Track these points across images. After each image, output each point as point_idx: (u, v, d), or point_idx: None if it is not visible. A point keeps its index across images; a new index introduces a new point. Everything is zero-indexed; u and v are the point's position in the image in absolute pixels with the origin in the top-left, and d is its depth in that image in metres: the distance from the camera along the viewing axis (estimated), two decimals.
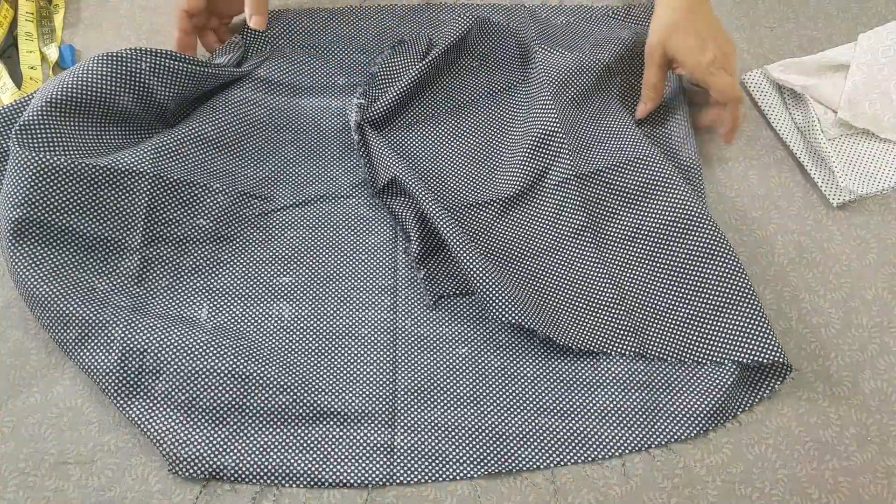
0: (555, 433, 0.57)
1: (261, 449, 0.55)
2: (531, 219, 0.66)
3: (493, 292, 0.58)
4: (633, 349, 0.60)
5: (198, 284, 0.62)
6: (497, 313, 0.58)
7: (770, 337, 0.58)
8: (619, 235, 0.65)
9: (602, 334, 0.61)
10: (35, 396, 0.59)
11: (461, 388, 0.59)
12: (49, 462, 0.56)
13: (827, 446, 0.58)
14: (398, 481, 0.55)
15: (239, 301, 0.62)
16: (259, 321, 0.61)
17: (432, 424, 0.57)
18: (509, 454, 0.56)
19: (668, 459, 0.57)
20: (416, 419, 0.57)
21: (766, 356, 0.57)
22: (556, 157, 0.66)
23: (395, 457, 0.56)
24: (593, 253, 0.64)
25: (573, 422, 0.57)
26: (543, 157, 0.67)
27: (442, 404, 0.58)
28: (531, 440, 0.57)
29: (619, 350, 0.60)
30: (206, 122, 0.66)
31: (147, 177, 0.61)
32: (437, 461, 0.56)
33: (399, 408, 0.58)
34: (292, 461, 0.55)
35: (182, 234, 0.63)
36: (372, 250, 0.65)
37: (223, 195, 0.64)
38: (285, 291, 0.63)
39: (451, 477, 0.55)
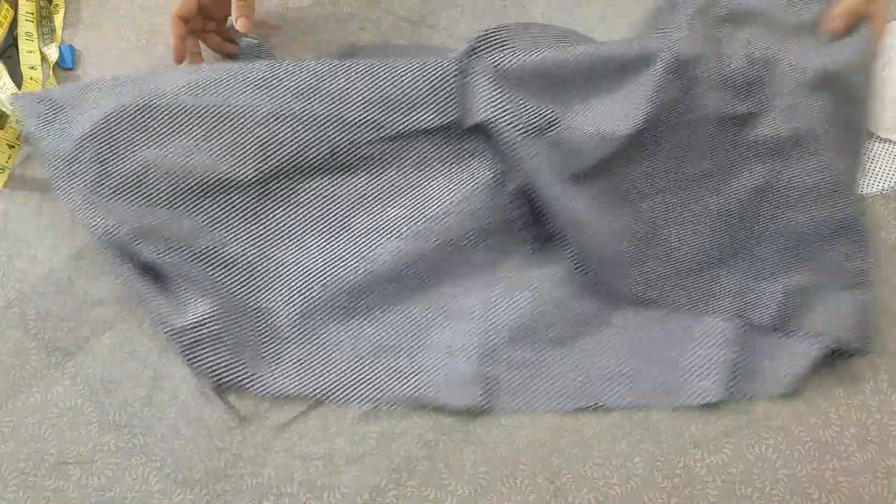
0: (642, 377, 0.60)
1: (364, 374, 0.59)
2: (651, 157, 0.62)
3: (591, 249, 0.61)
4: (731, 311, 0.62)
5: (309, 215, 0.63)
6: (590, 270, 0.62)
7: (867, 329, 0.60)
8: (747, 188, 0.62)
9: (702, 295, 0.62)
10: (35, 396, 0.59)
11: (554, 329, 0.61)
12: (49, 462, 0.56)
13: (827, 446, 0.58)
14: (493, 410, 0.59)
15: (346, 235, 0.63)
16: (365, 255, 0.62)
17: (526, 360, 0.60)
18: (596, 392, 0.59)
19: (668, 459, 0.57)
20: (511, 354, 0.60)
21: (857, 345, 0.60)
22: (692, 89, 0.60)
23: (491, 387, 0.59)
24: (714, 203, 0.62)
25: (661, 369, 0.60)
26: (678, 85, 0.60)
27: (536, 342, 0.61)
28: (619, 381, 0.59)
29: (714, 310, 0.62)
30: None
31: (260, 112, 0.61)
32: (529, 394, 0.59)
33: (495, 343, 0.60)
34: (394, 387, 0.59)
35: (296, 165, 0.63)
36: (473, 188, 0.64)
37: (333, 126, 0.62)
38: (390, 226, 0.63)
39: (540, 408, 0.59)
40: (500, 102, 0.60)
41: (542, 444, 0.58)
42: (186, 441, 0.57)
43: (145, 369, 0.60)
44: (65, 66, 0.74)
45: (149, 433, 0.58)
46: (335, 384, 0.59)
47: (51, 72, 0.73)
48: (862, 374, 0.61)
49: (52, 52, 0.74)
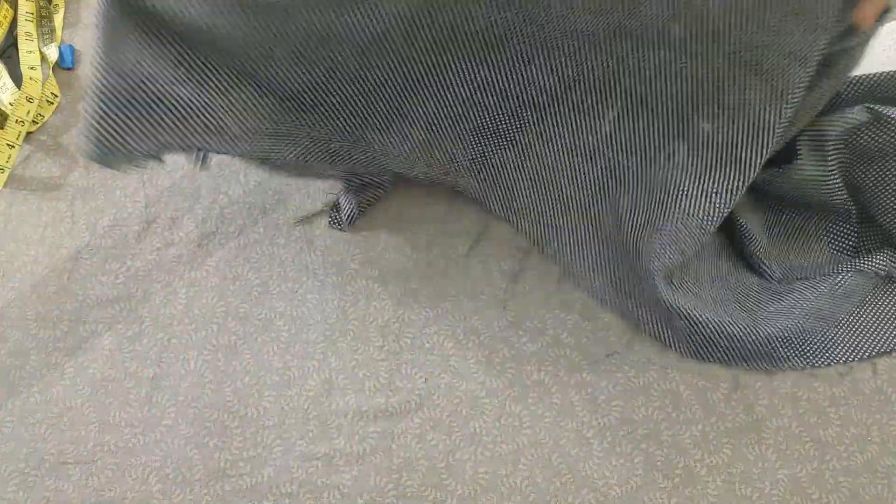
0: (810, 336, 0.61)
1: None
2: None
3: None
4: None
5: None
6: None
7: None
8: None
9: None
10: (35, 396, 0.59)
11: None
12: (49, 462, 0.56)
13: (827, 446, 0.58)
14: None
15: None
16: None
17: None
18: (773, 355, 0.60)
19: (668, 459, 0.57)
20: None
21: None
22: None
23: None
24: None
25: (825, 327, 0.61)
26: None
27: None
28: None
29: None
30: None
31: None
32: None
33: None
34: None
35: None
36: None
37: None
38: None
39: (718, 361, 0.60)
40: None
41: (541, 444, 0.58)
42: (186, 441, 0.57)
43: (145, 369, 0.60)
44: (65, 66, 0.74)
45: (149, 433, 0.58)
46: None
47: (51, 72, 0.73)
48: (862, 374, 0.61)
49: (52, 52, 0.74)
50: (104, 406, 0.58)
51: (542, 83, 0.56)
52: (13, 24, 0.74)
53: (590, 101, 0.56)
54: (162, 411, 0.58)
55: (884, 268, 0.62)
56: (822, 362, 0.61)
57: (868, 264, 0.63)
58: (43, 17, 0.76)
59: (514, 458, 0.57)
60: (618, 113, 0.56)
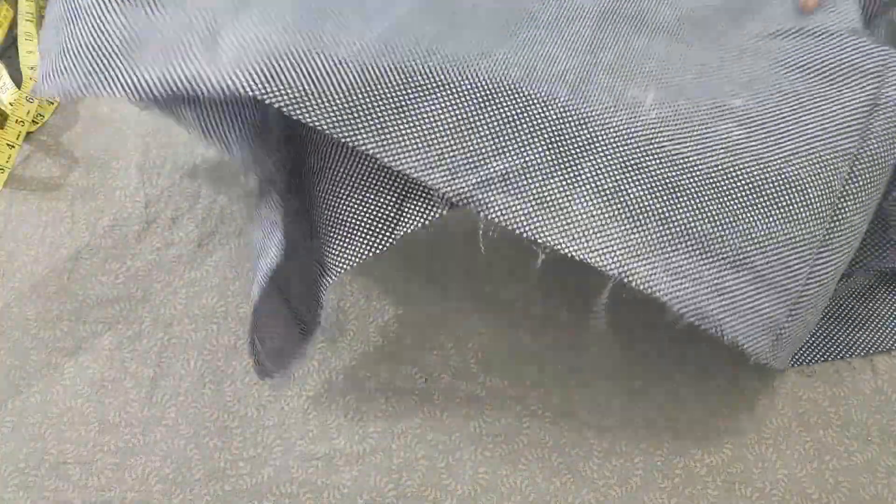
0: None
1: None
2: None
3: None
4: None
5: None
6: None
7: None
8: None
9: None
10: (35, 396, 0.59)
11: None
12: (49, 462, 0.56)
13: (827, 446, 0.58)
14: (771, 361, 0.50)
15: None
16: None
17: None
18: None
19: (668, 459, 0.57)
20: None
21: None
22: None
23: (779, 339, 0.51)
24: None
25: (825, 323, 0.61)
26: None
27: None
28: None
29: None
30: None
31: None
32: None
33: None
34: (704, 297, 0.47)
35: None
36: None
37: None
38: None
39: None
40: None
41: (541, 444, 0.58)
42: (186, 441, 0.57)
43: (145, 369, 0.60)
44: None
45: (149, 433, 0.58)
46: None
47: None
48: (862, 374, 0.61)
49: None
50: (104, 406, 0.58)
51: None
52: (13, 24, 0.74)
53: None
54: (162, 411, 0.58)
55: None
56: (819, 358, 0.61)
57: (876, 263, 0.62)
58: (43, 18, 0.76)
59: (514, 458, 0.58)
60: None
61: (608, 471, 0.57)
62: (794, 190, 0.49)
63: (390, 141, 0.46)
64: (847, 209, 0.51)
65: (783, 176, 0.49)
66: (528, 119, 0.48)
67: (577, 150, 0.48)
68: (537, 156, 0.48)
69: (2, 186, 0.67)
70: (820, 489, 0.56)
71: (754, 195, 0.49)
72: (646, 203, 0.48)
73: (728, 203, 0.49)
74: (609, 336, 0.62)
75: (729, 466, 0.57)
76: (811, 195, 0.50)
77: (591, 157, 0.48)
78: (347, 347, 0.62)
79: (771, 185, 0.49)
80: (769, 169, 0.49)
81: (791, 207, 0.49)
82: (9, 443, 0.57)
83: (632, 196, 0.48)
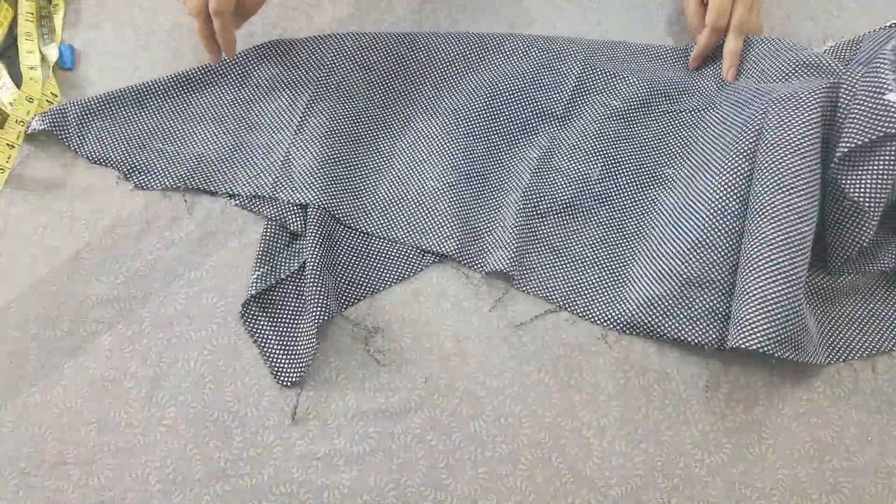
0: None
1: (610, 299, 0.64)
2: None
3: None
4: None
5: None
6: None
7: None
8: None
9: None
10: (35, 396, 0.59)
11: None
12: (49, 462, 0.56)
13: (827, 446, 0.58)
14: (727, 346, 0.57)
15: None
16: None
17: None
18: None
19: (668, 459, 0.57)
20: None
21: None
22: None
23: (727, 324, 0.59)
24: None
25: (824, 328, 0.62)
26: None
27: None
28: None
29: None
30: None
31: None
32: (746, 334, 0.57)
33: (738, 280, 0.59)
34: (638, 314, 0.61)
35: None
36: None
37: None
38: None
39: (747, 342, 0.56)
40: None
41: (542, 444, 0.58)
42: (186, 441, 0.57)
43: (145, 369, 0.60)
44: (64, 66, 0.74)
45: (149, 433, 0.58)
46: None
47: (51, 72, 0.73)
48: (862, 374, 0.61)
49: (52, 52, 0.74)
50: (104, 406, 0.58)
51: None
52: (13, 23, 0.74)
53: None
54: (162, 411, 0.58)
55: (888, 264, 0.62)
56: (824, 362, 0.61)
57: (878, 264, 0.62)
58: (43, 17, 0.76)
59: (514, 458, 0.58)
60: None
61: (608, 471, 0.57)
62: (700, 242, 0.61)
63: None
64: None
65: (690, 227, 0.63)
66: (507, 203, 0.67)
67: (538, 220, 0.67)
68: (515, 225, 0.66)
69: (2, 186, 0.67)
70: (820, 489, 0.56)
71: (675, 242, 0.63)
72: (587, 254, 0.66)
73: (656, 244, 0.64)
74: (609, 336, 0.62)
75: (729, 466, 0.57)
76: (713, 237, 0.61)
77: (547, 223, 0.67)
78: (348, 347, 0.62)
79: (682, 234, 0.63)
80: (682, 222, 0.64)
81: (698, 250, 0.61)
82: (9, 443, 0.57)
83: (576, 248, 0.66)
